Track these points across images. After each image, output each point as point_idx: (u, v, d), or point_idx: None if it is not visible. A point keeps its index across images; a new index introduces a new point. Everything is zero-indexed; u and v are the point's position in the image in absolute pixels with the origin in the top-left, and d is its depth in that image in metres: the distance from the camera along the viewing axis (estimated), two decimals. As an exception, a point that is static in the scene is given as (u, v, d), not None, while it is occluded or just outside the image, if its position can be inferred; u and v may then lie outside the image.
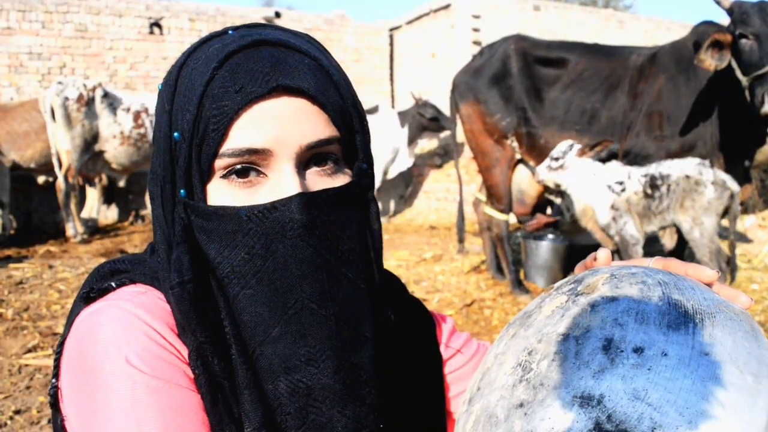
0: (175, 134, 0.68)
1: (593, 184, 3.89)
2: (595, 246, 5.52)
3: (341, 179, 0.71)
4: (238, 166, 0.66)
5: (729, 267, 3.87)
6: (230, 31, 0.72)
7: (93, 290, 0.71)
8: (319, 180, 0.69)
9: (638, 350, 0.46)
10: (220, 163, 0.66)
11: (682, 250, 4.62)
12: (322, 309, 0.66)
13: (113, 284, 0.71)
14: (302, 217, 0.65)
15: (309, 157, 0.69)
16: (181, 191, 0.68)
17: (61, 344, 0.69)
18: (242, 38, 0.68)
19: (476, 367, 0.92)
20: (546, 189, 4.29)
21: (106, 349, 0.63)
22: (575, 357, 0.47)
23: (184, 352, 0.66)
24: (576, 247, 5.43)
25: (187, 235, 0.68)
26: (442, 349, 0.92)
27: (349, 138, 0.72)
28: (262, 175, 0.67)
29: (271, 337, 0.65)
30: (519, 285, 4.99)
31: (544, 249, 5.21)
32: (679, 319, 0.47)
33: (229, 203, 0.67)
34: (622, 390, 0.44)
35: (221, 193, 0.67)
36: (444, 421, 0.88)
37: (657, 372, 0.44)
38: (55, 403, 0.68)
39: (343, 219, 0.69)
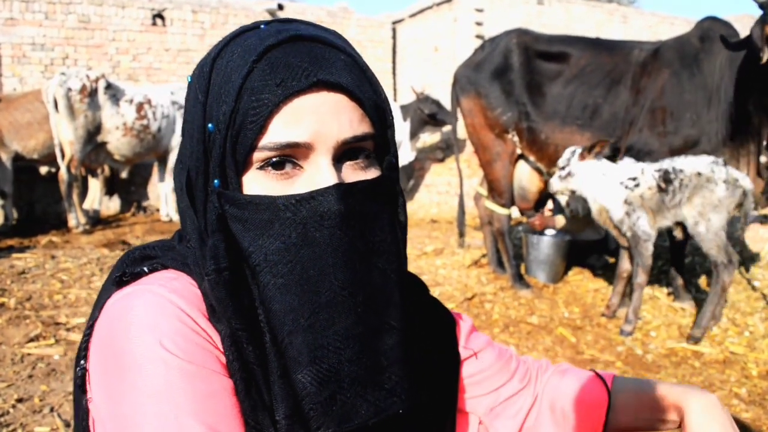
0: (210, 125, 0.68)
1: (605, 183, 3.91)
2: (596, 241, 5.54)
3: (373, 173, 0.73)
4: (275, 159, 0.67)
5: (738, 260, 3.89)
6: (262, 26, 0.72)
7: (125, 274, 0.72)
8: (353, 173, 0.71)
9: None
10: (257, 155, 0.67)
11: (683, 253, 4.62)
12: (353, 297, 0.67)
13: (145, 269, 0.72)
14: (340, 207, 0.66)
15: (343, 152, 0.70)
16: (215, 181, 0.69)
17: (90, 327, 0.69)
18: (279, 33, 0.69)
19: (497, 373, 0.94)
20: (555, 193, 4.32)
21: (140, 332, 0.63)
22: None
23: (216, 338, 0.67)
24: (577, 243, 5.44)
25: (221, 223, 0.68)
26: (461, 350, 0.93)
27: (381, 133, 0.74)
28: (298, 168, 0.69)
29: (300, 326, 0.66)
30: (520, 279, 5.00)
31: (545, 244, 5.21)
32: None
33: (264, 194, 0.68)
34: None
35: (257, 184, 0.68)
36: (453, 420, 0.89)
37: None
38: (82, 385, 0.69)
39: (376, 210, 0.71)
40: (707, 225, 3.70)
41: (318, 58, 0.68)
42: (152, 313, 0.64)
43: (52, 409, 2.75)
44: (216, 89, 0.68)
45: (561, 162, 4.03)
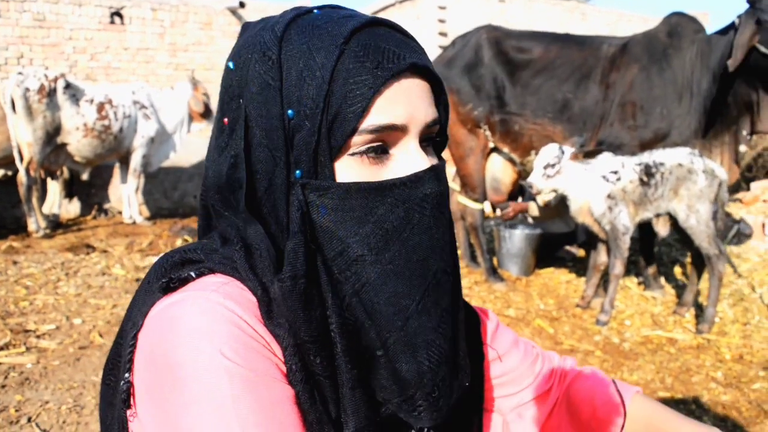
0: (290, 111, 0.64)
1: (587, 178, 3.94)
2: (567, 234, 5.63)
3: (435, 159, 0.75)
4: (372, 143, 0.66)
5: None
6: (316, 11, 0.70)
7: (173, 280, 0.66)
8: (429, 157, 0.72)
9: None
10: (357, 139, 0.65)
11: (652, 244, 4.72)
12: (450, 276, 0.69)
13: (193, 274, 0.67)
14: (438, 189, 0.69)
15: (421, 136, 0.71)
16: (297, 172, 0.65)
17: (134, 337, 0.64)
18: (352, 17, 0.68)
19: (522, 375, 0.93)
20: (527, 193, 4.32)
21: (197, 342, 0.59)
22: None
23: (274, 344, 0.64)
24: (549, 235, 5.52)
25: (303, 223, 0.65)
26: (487, 349, 0.92)
27: (444, 119, 0.76)
28: (385, 152, 0.68)
29: (411, 311, 0.66)
30: (494, 273, 5.05)
31: (517, 237, 5.27)
32: None
33: (359, 180, 0.66)
34: None
35: (350, 170, 0.66)
36: (481, 418, 0.88)
37: None
38: (126, 400, 0.64)
39: (447, 194, 0.73)
40: (697, 217, 3.81)
41: (402, 43, 0.68)
42: (209, 321, 0.61)
43: (29, 419, 2.66)
44: (295, 73, 0.64)
45: (549, 159, 3.94)
